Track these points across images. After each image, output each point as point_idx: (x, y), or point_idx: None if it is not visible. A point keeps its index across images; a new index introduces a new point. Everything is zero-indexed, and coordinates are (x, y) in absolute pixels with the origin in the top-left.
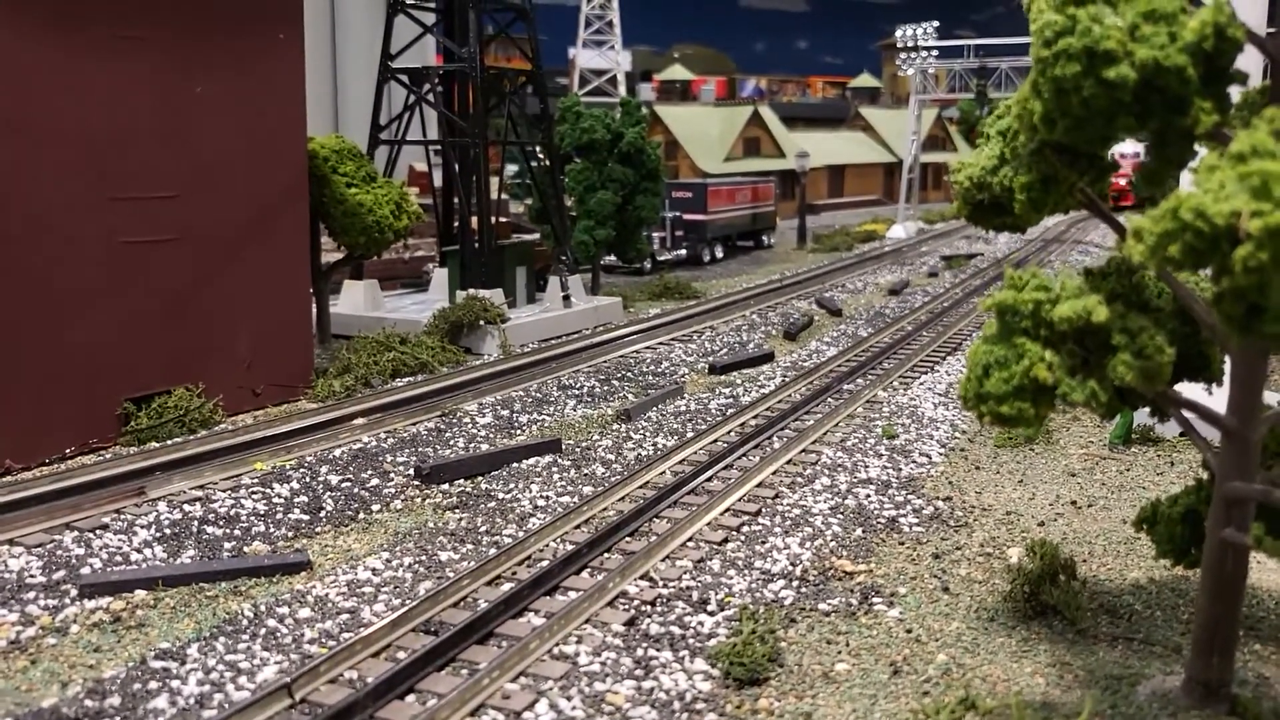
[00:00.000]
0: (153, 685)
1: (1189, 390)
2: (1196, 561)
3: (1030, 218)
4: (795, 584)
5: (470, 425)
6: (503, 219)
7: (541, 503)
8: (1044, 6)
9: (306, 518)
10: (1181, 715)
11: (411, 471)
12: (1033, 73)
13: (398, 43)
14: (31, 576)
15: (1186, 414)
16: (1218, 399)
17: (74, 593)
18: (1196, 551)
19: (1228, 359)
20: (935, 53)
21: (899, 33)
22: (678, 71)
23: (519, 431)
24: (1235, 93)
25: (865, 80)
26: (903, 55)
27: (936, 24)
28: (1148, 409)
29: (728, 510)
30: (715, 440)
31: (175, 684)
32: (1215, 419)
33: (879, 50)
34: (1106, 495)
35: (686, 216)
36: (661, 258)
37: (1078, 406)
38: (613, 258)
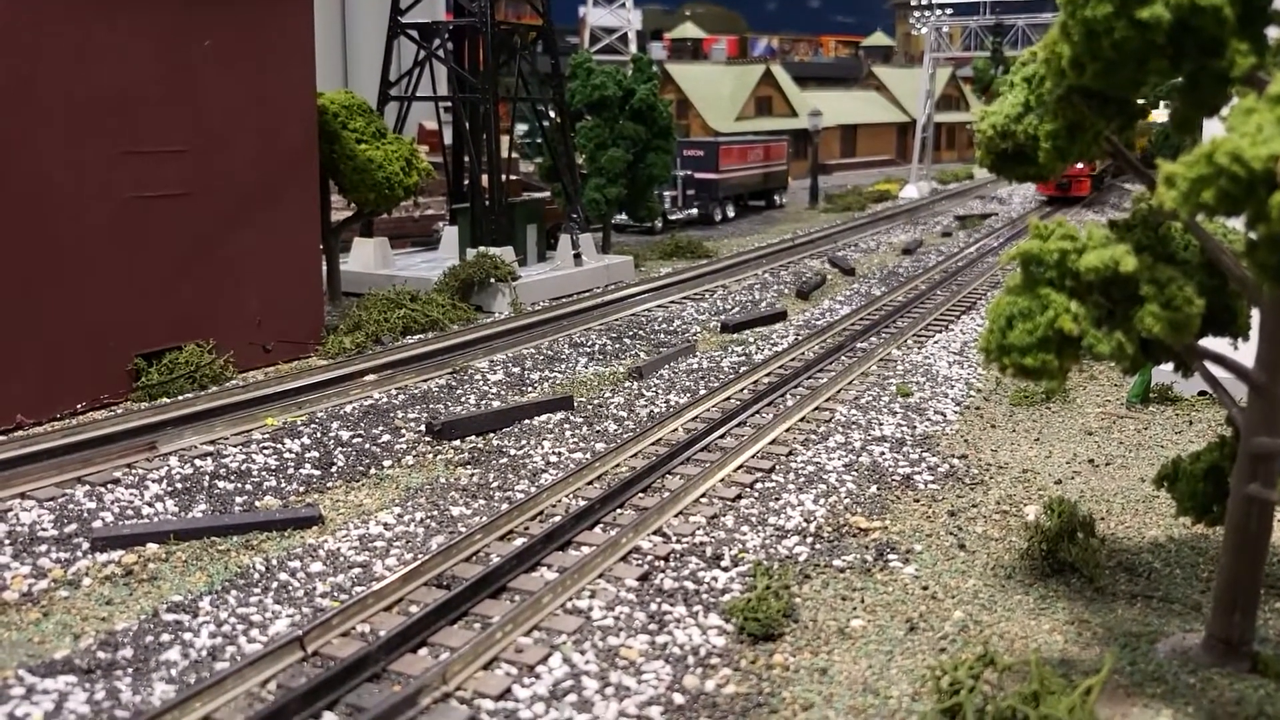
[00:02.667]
0: (165, 637)
1: (1214, 345)
2: (1217, 519)
3: (1055, 167)
4: (810, 540)
5: (481, 382)
6: (513, 177)
7: (554, 459)
8: None
9: (318, 473)
10: (1202, 673)
11: (423, 428)
12: (1061, 14)
13: None
14: (43, 530)
15: (1212, 368)
16: (1243, 353)
17: (86, 546)
18: (1218, 509)
19: (1255, 312)
20: (949, 10)
21: None
22: (689, 30)
23: (530, 389)
24: (1272, 34)
25: (878, 39)
26: (916, 13)
27: None
28: (1171, 364)
29: (741, 467)
30: (728, 398)
31: (187, 636)
32: (1243, 373)
33: (892, 8)
34: (1124, 454)
35: (698, 175)
36: (673, 216)
37: (1102, 360)
38: (624, 216)
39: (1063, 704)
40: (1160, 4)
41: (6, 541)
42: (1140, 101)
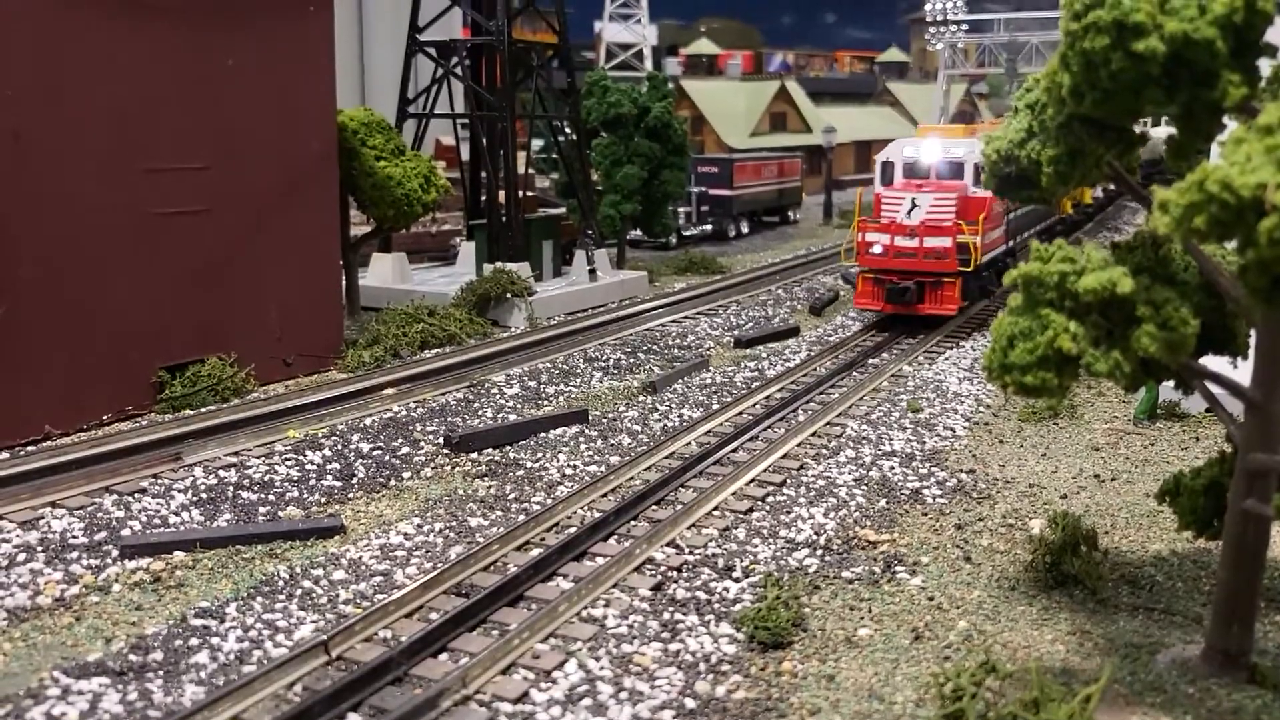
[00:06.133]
0: (194, 641)
1: (1214, 363)
2: (1218, 533)
3: (1057, 191)
4: (819, 552)
5: (498, 396)
6: (529, 193)
7: (569, 471)
8: None
9: (339, 484)
10: (1201, 683)
11: (441, 440)
12: (1062, 46)
13: (425, 15)
14: (74, 537)
15: (1210, 386)
16: (1242, 372)
17: (115, 553)
18: (1218, 523)
19: (1253, 332)
20: (964, 27)
21: (928, 6)
22: (704, 46)
23: (546, 402)
24: (1265, 66)
25: (893, 55)
26: (932, 29)
27: None
28: (1172, 382)
29: (753, 481)
30: (740, 413)
31: (215, 641)
32: (1239, 391)
33: (907, 24)
34: (1130, 469)
35: (712, 191)
36: (687, 232)
37: (1101, 378)
38: (638, 232)
39: (1062, 711)
40: (1155, 37)
41: (39, 548)
42: (1138, 129)
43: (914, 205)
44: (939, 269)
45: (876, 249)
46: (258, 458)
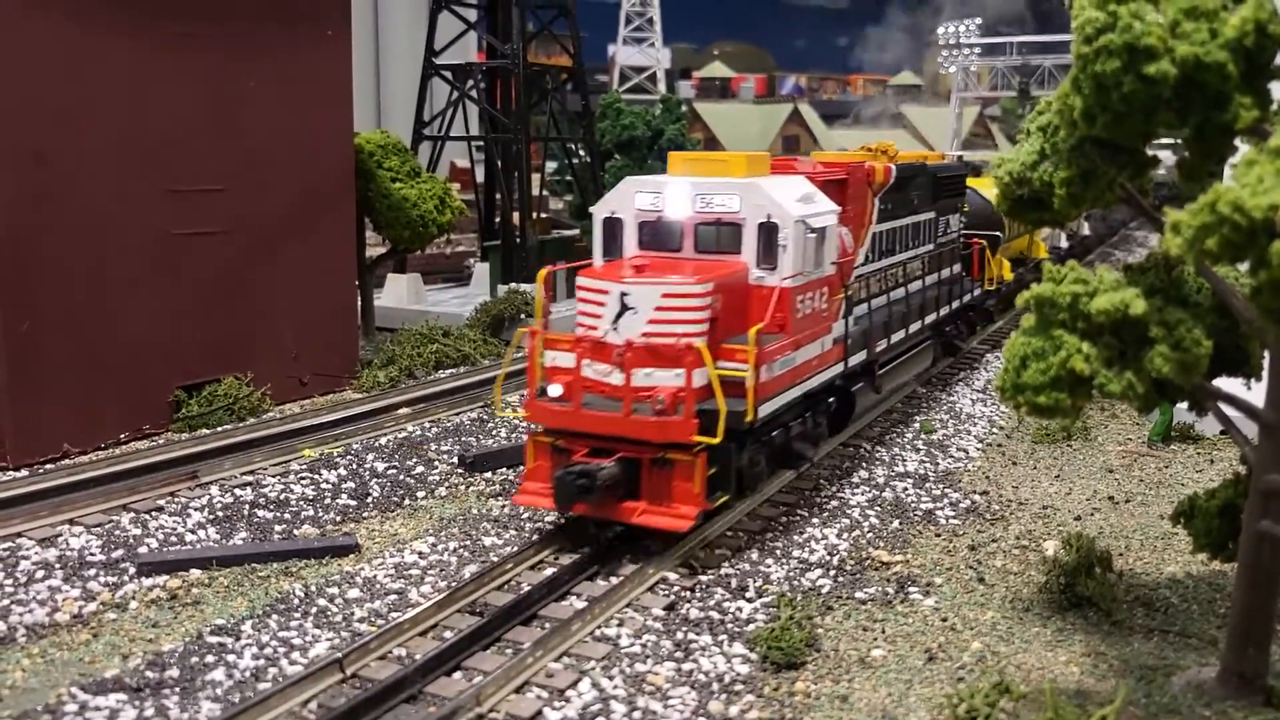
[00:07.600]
0: (210, 659)
1: (1228, 384)
2: (1233, 555)
3: (1069, 212)
4: (832, 573)
5: (512, 416)
6: (543, 214)
7: None
8: (1085, 3)
9: (354, 503)
10: (1216, 706)
11: (455, 460)
12: (1074, 69)
13: (441, 39)
14: (92, 555)
15: (1224, 408)
16: (1256, 393)
17: (132, 571)
18: (1233, 545)
19: (1267, 354)
20: (977, 50)
21: (941, 30)
22: (717, 69)
23: None
24: (1276, 89)
25: (906, 78)
26: (945, 52)
27: (979, 20)
28: (1186, 404)
29: (766, 501)
30: None
31: (231, 658)
32: (1253, 412)
33: (920, 48)
34: (1145, 491)
35: None
36: None
37: (1115, 399)
38: None
39: None
40: (1166, 60)
41: (57, 565)
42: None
43: (624, 306)
44: (661, 436)
45: (555, 389)
46: (273, 476)
